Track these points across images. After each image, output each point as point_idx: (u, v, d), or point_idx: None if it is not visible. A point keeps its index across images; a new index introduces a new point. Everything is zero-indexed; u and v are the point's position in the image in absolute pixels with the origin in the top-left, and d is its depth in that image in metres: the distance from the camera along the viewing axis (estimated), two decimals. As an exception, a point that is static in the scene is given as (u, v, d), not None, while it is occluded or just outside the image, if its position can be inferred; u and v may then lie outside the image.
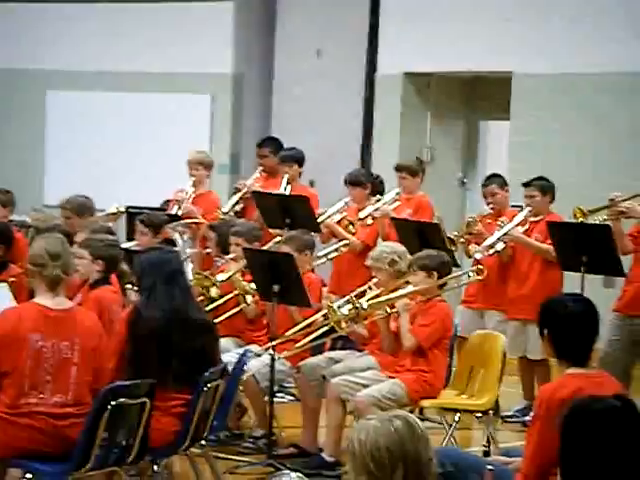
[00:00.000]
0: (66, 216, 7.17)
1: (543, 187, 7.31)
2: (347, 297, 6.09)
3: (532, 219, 7.33)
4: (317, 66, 11.48)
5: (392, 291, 6.06)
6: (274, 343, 6.08)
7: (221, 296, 6.64)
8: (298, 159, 8.26)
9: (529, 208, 7.30)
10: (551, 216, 7.31)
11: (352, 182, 7.87)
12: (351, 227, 7.64)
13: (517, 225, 7.25)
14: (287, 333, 6.22)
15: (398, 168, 8.00)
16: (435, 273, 5.93)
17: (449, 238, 7.19)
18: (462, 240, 7.34)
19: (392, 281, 6.15)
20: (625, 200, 6.66)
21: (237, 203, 8.30)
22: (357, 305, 5.90)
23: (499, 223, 7.23)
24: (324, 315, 6.13)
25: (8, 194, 7.95)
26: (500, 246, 7.23)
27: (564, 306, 4.15)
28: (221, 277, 6.63)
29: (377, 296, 6.04)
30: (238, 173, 11.82)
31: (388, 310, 5.94)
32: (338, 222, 7.88)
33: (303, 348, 6.21)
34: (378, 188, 8.05)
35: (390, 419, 2.77)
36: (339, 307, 6.00)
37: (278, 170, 8.42)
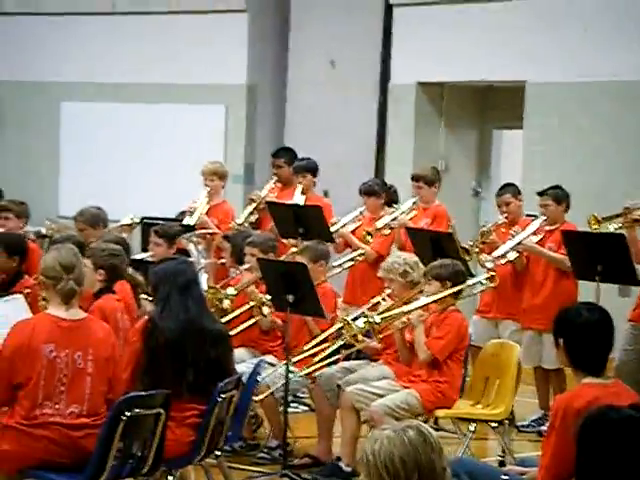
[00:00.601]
0: (80, 228, 7.20)
1: (557, 196, 7.30)
2: (361, 310, 6.08)
3: (547, 228, 7.31)
4: (331, 76, 11.50)
5: (406, 302, 6.05)
6: (299, 358, 6.05)
7: (236, 308, 6.65)
8: (311, 169, 8.28)
9: (543, 217, 7.28)
10: (566, 225, 7.29)
11: (367, 192, 7.89)
12: (369, 237, 7.63)
13: (531, 234, 7.23)
14: (305, 348, 6.20)
15: (415, 177, 8.01)
16: (449, 283, 5.93)
17: (463, 248, 7.18)
18: (476, 250, 7.33)
19: (405, 291, 6.15)
20: (639, 208, 6.63)
21: (252, 214, 8.32)
22: (370, 320, 5.90)
23: (512, 232, 7.22)
24: (339, 329, 6.13)
25: (22, 205, 7.99)
26: (512, 255, 7.22)
27: (579, 315, 4.14)
28: (231, 291, 6.62)
29: (390, 308, 6.02)
30: (252, 183, 11.84)
31: (403, 321, 5.93)
32: (353, 231, 7.89)
33: (320, 364, 6.20)
34: (392, 198, 8.07)
35: (404, 429, 2.76)
36: (354, 321, 6.00)
37: (293, 180, 8.44)
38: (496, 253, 7.15)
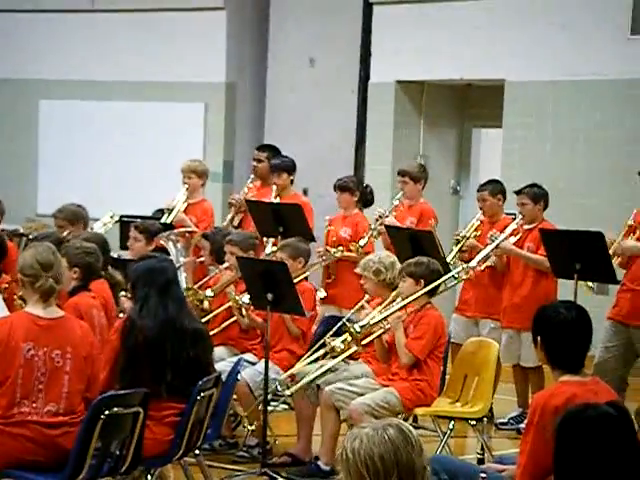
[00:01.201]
0: (59, 225, 7.16)
1: (535, 195, 7.30)
2: (340, 322, 6.09)
3: (526, 227, 7.33)
4: (310, 74, 11.50)
5: (381, 303, 6.06)
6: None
7: (216, 307, 6.64)
8: (287, 168, 8.25)
9: (520, 217, 7.29)
10: (544, 224, 7.31)
11: (341, 188, 7.89)
12: (355, 245, 7.61)
13: (509, 236, 7.24)
14: (292, 370, 6.20)
15: (401, 172, 8.00)
16: (422, 281, 5.92)
17: (445, 262, 7.17)
18: (455, 258, 7.37)
19: (379, 290, 6.14)
20: None
21: (233, 219, 8.29)
22: (351, 330, 5.90)
23: (490, 236, 7.21)
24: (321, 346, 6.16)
25: None
26: (492, 260, 7.23)
27: (557, 313, 4.15)
28: (209, 293, 6.61)
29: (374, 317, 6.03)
30: (231, 181, 11.83)
31: (382, 326, 5.93)
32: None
33: (299, 369, 6.20)
34: (367, 198, 8.06)
35: (384, 427, 2.76)
36: (335, 336, 6.03)
37: (270, 178, 8.42)
38: (476, 258, 7.15)
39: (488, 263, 7.19)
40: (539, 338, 4.15)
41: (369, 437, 2.73)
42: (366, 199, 8.05)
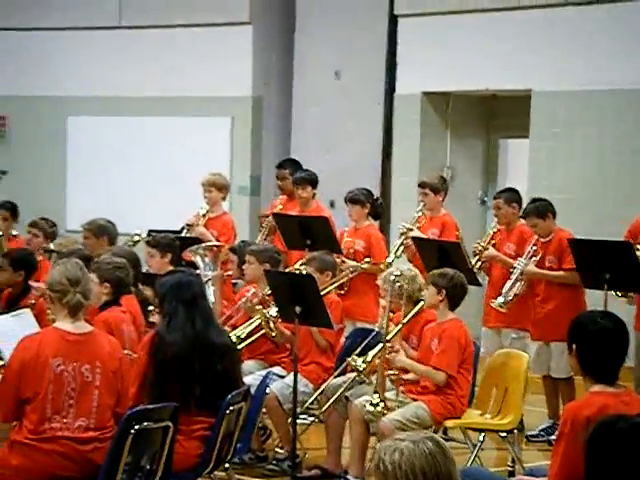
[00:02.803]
0: (85, 236, 7.23)
1: (539, 211, 7.23)
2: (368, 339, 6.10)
3: (542, 240, 7.29)
4: (336, 87, 11.52)
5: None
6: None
7: (245, 321, 6.64)
8: (311, 181, 8.27)
9: (533, 241, 7.27)
10: (560, 233, 7.26)
11: (352, 200, 7.92)
12: (367, 260, 7.63)
13: (530, 258, 7.21)
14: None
15: (421, 184, 8.05)
16: (444, 291, 5.90)
17: (473, 272, 7.18)
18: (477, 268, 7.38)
19: (399, 303, 6.10)
20: None
21: (266, 238, 8.31)
22: (356, 367, 5.89)
23: (513, 267, 7.16)
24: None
25: (54, 227, 8.06)
26: (519, 287, 7.19)
27: (594, 322, 4.12)
28: (274, 312, 6.46)
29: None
30: (258, 195, 11.85)
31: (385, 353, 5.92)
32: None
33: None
34: (377, 210, 8.08)
35: (423, 440, 2.74)
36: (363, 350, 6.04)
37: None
38: (504, 291, 7.14)
39: (516, 291, 7.16)
40: (574, 346, 4.12)
41: (410, 450, 2.72)
42: (376, 211, 8.07)
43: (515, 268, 7.16)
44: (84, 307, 4.64)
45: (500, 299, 7.11)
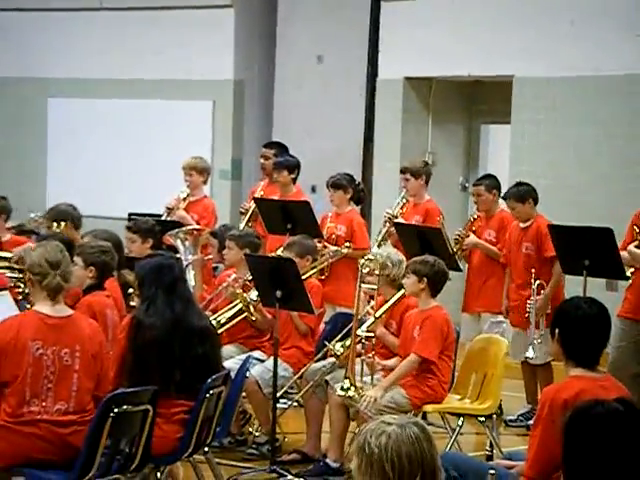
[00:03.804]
0: (47, 225, 7.04)
1: (520, 195, 7.25)
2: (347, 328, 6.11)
3: (521, 225, 7.32)
4: (318, 72, 11.49)
5: (385, 302, 6.07)
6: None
7: (225, 305, 6.64)
8: (287, 166, 8.24)
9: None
10: (539, 219, 7.29)
11: (334, 185, 7.91)
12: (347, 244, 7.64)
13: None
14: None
15: (402, 170, 8.07)
16: (425, 279, 5.91)
17: (455, 259, 7.20)
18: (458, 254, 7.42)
19: (383, 285, 6.12)
20: None
21: (248, 224, 8.27)
22: (334, 352, 5.94)
23: (528, 312, 6.91)
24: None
25: (3, 200, 7.73)
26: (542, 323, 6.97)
27: (578, 308, 4.17)
28: (254, 297, 6.46)
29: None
30: (239, 179, 11.83)
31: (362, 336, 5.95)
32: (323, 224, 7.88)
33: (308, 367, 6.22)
34: (359, 196, 8.08)
35: (408, 425, 2.75)
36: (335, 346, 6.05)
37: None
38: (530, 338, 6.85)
39: (541, 332, 6.83)
40: (557, 331, 4.15)
41: (397, 434, 2.72)
42: (358, 196, 8.07)
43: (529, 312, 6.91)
44: (64, 290, 4.63)
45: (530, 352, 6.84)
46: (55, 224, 6.87)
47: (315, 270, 6.90)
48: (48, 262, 4.58)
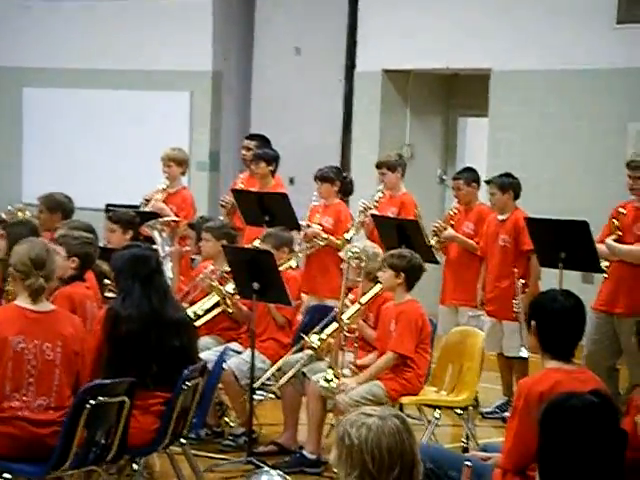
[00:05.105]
0: (39, 209, 7.11)
1: (503, 184, 7.30)
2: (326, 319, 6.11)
3: (500, 217, 7.35)
4: (296, 63, 11.48)
5: (363, 295, 6.08)
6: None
7: (203, 297, 6.63)
8: (265, 158, 8.23)
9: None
10: (517, 212, 7.31)
11: (321, 178, 7.91)
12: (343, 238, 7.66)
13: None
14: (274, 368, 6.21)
15: (378, 165, 8.07)
16: (403, 274, 5.91)
17: (432, 251, 7.22)
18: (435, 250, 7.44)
19: (358, 279, 6.11)
20: None
21: (228, 216, 8.26)
22: (311, 344, 5.92)
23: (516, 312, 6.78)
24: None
25: None
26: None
27: (554, 300, 4.19)
28: (230, 289, 6.47)
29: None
30: (217, 170, 11.81)
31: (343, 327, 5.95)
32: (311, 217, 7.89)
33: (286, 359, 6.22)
34: (347, 188, 8.09)
35: (389, 417, 2.76)
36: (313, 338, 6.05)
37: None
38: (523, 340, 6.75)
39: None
40: (533, 324, 4.17)
41: (377, 426, 2.73)
42: (346, 189, 8.08)
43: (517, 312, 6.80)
44: (46, 290, 4.58)
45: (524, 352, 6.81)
46: (20, 213, 6.90)
47: (291, 263, 6.89)
48: (32, 261, 4.53)
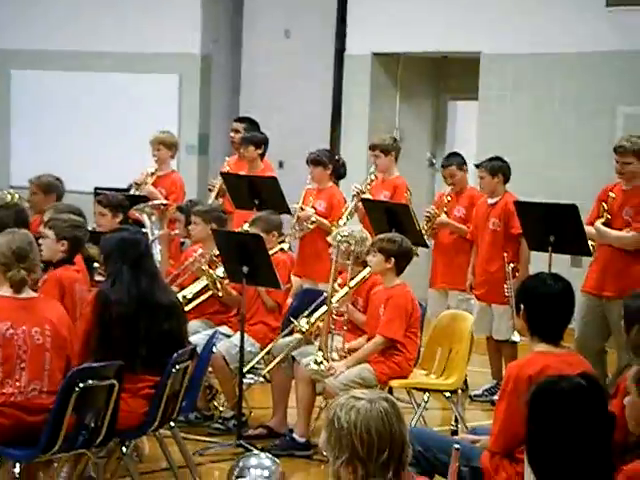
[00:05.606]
0: (32, 191, 7.11)
1: (492, 167, 7.31)
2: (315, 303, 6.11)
3: (489, 201, 7.36)
4: (285, 46, 11.43)
5: (351, 279, 6.07)
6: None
7: (193, 281, 6.61)
8: (254, 141, 8.21)
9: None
10: (507, 196, 7.32)
11: (314, 161, 7.88)
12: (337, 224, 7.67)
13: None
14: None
15: (371, 147, 8.03)
16: (393, 259, 5.91)
17: (422, 235, 7.22)
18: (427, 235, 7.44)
19: (347, 264, 6.11)
20: None
21: (216, 199, 8.24)
22: (299, 328, 5.94)
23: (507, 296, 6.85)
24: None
25: None
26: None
27: (543, 284, 4.20)
28: (221, 273, 6.46)
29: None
30: (206, 154, 11.77)
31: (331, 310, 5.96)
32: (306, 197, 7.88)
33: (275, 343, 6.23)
34: (340, 171, 8.07)
35: (378, 400, 2.77)
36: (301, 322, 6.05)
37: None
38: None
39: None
40: (522, 307, 4.18)
41: (367, 409, 2.74)
42: (339, 172, 8.06)
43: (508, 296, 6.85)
44: (28, 282, 4.56)
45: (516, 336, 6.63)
46: (9, 196, 6.89)
47: (281, 246, 6.88)
48: (15, 253, 4.51)
